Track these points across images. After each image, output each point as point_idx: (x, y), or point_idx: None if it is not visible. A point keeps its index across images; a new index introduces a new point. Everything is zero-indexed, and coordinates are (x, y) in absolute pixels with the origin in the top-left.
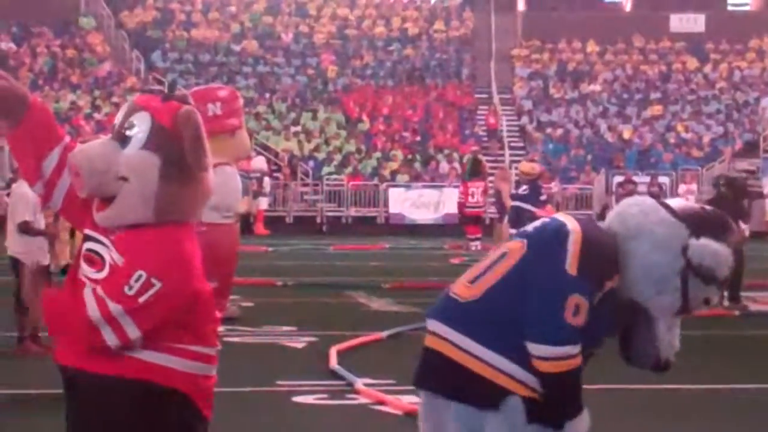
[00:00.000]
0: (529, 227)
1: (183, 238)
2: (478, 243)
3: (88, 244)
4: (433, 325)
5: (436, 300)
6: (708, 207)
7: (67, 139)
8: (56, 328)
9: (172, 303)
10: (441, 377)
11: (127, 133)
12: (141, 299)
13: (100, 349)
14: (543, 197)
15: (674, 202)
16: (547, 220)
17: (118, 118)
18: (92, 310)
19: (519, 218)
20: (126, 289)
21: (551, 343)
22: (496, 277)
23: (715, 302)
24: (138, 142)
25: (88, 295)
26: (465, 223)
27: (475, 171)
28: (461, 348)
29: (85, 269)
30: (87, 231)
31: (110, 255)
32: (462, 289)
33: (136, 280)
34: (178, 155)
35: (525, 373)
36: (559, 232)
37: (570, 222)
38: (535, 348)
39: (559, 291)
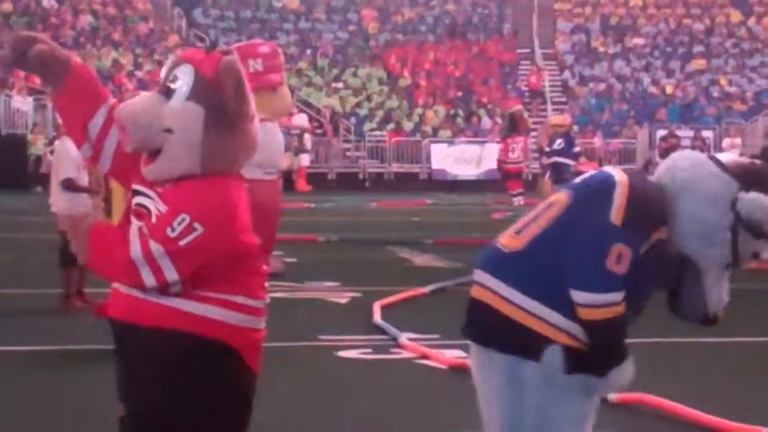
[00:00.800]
0: (577, 179)
1: (230, 187)
2: (520, 198)
3: (137, 199)
4: (478, 275)
5: (484, 251)
6: (757, 161)
7: (111, 98)
8: (97, 261)
9: (214, 250)
10: (484, 326)
11: (171, 86)
12: (182, 242)
13: (144, 299)
14: (577, 149)
15: (724, 157)
16: (594, 172)
17: (162, 72)
18: (134, 248)
19: (559, 172)
20: (169, 230)
21: (593, 290)
22: (540, 226)
23: (765, 256)
24: (182, 94)
25: (133, 233)
26: (506, 178)
27: (513, 127)
28: (504, 297)
29: (134, 222)
30: (135, 186)
31: (156, 207)
32: (507, 239)
33: (179, 223)
34: (221, 105)
35: (568, 321)
36: (605, 183)
37: (617, 173)
38: (577, 295)
39: (602, 240)
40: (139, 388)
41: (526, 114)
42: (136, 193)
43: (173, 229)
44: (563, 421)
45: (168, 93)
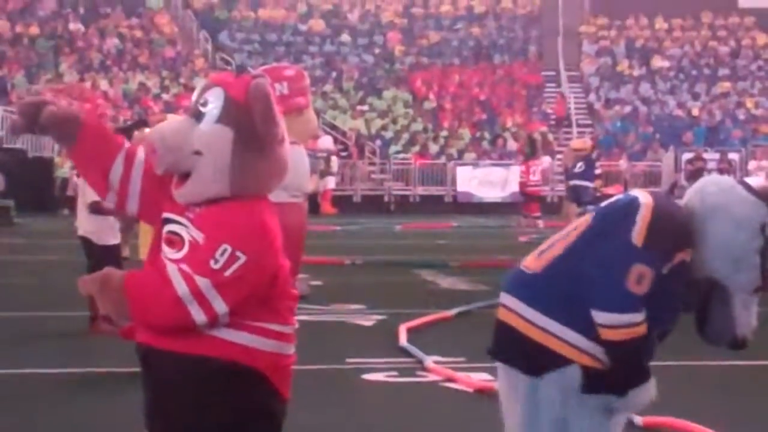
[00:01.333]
0: (604, 203)
1: (263, 211)
2: (541, 221)
3: (168, 227)
4: (503, 297)
5: (509, 273)
6: None
7: (127, 144)
8: (140, 310)
9: (257, 276)
10: (509, 348)
11: (202, 109)
12: (227, 273)
13: (182, 327)
14: (597, 171)
15: (753, 181)
16: (620, 195)
17: (194, 96)
18: (179, 286)
19: (578, 194)
20: (212, 263)
21: (614, 310)
22: (562, 247)
23: None
24: (212, 117)
25: (173, 272)
26: (527, 201)
27: (534, 150)
28: (526, 318)
29: (167, 251)
30: (165, 214)
31: (189, 233)
32: (531, 260)
33: (221, 254)
34: (251, 128)
35: (588, 342)
36: (630, 205)
37: (642, 196)
38: (598, 315)
39: (623, 260)
40: (168, 415)
41: (550, 136)
42: (167, 221)
43: (216, 261)
44: None
45: (198, 116)
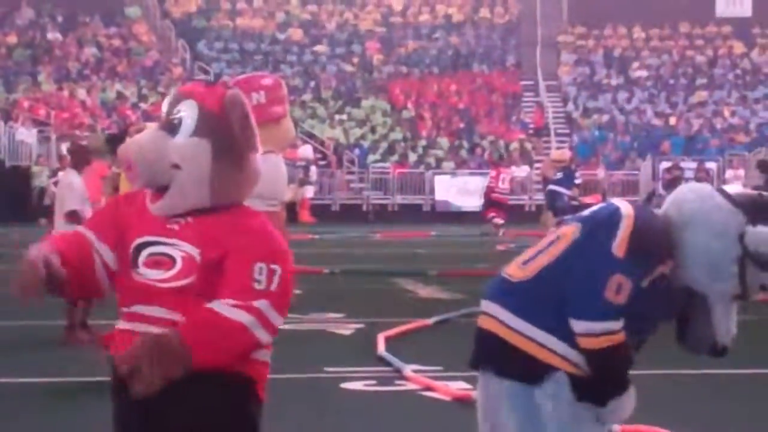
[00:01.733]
0: (585, 212)
1: (258, 215)
2: (502, 229)
3: (149, 250)
4: (485, 305)
5: (491, 281)
6: (765, 193)
7: (86, 234)
8: (210, 354)
9: (291, 280)
10: (491, 355)
11: (175, 121)
12: (273, 288)
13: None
14: (577, 181)
15: (731, 189)
16: (602, 204)
17: (164, 109)
18: (242, 317)
19: (553, 200)
20: (256, 285)
21: (590, 318)
22: (548, 259)
23: None
24: (187, 129)
25: (227, 309)
26: (488, 206)
27: (498, 160)
28: (510, 326)
29: (152, 274)
30: (139, 240)
31: (179, 250)
32: (514, 269)
33: (260, 273)
34: (228, 138)
35: (571, 350)
36: (612, 216)
37: (624, 206)
38: (576, 324)
39: (603, 270)
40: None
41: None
42: (144, 246)
43: (259, 282)
44: None
45: (172, 129)
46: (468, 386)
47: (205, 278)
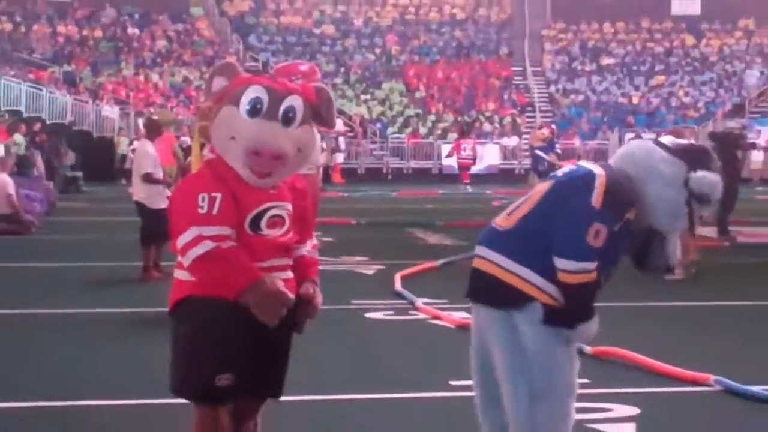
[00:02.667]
0: (559, 173)
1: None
2: (469, 187)
3: (269, 213)
4: (479, 249)
5: (484, 230)
6: (694, 142)
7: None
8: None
9: None
10: (484, 290)
11: (290, 114)
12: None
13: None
14: (558, 150)
15: (666, 140)
16: (574, 166)
17: (263, 99)
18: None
19: (535, 162)
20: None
21: (573, 258)
22: (528, 207)
23: (706, 215)
24: (299, 121)
25: (315, 255)
26: (461, 170)
27: (467, 132)
28: (498, 264)
29: (273, 233)
30: (255, 211)
31: (286, 209)
32: (502, 219)
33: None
34: (317, 118)
35: (548, 284)
36: (587, 175)
37: (596, 168)
38: (560, 262)
39: (585, 219)
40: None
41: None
42: (261, 214)
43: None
44: (555, 357)
45: (287, 121)
46: (468, 316)
47: (291, 226)
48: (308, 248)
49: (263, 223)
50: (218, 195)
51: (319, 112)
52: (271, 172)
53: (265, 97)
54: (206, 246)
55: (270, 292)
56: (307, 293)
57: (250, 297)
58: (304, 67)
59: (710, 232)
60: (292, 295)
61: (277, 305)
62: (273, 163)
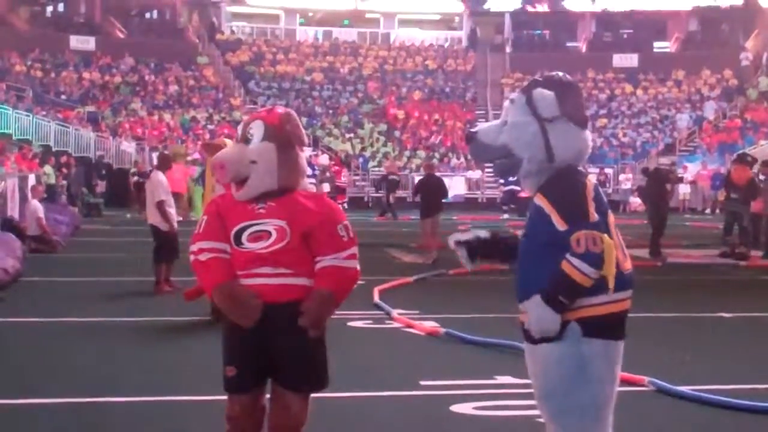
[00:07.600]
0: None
1: (325, 195)
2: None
3: (249, 230)
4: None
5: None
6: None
7: (221, 246)
8: (344, 294)
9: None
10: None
11: (249, 136)
12: (351, 236)
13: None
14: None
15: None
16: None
17: (240, 130)
18: (356, 264)
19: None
20: (344, 238)
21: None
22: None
23: None
24: (258, 138)
25: (340, 262)
26: (338, 193)
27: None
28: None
29: (254, 246)
30: (238, 226)
31: (271, 224)
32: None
33: (343, 230)
34: (286, 140)
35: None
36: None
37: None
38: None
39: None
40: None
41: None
42: (243, 230)
43: (344, 236)
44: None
45: (247, 141)
46: (436, 324)
47: (295, 240)
48: (330, 259)
49: (244, 237)
50: (206, 217)
51: (285, 130)
52: (236, 183)
53: (241, 127)
54: (191, 258)
55: (232, 297)
56: (305, 303)
57: (216, 300)
58: (280, 110)
59: (643, 253)
60: (258, 301)
61: (243, 308)
62: (218, 171)
